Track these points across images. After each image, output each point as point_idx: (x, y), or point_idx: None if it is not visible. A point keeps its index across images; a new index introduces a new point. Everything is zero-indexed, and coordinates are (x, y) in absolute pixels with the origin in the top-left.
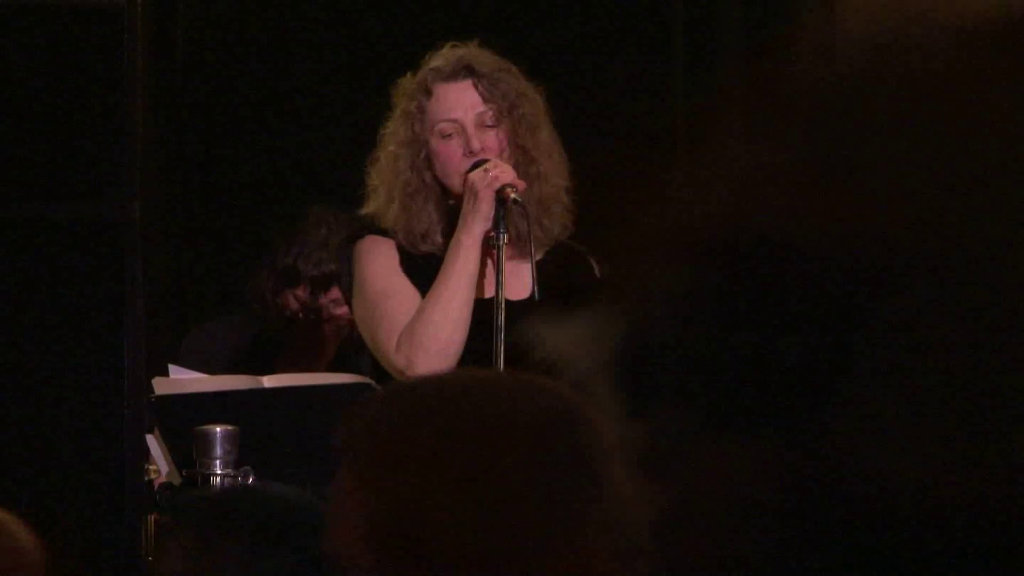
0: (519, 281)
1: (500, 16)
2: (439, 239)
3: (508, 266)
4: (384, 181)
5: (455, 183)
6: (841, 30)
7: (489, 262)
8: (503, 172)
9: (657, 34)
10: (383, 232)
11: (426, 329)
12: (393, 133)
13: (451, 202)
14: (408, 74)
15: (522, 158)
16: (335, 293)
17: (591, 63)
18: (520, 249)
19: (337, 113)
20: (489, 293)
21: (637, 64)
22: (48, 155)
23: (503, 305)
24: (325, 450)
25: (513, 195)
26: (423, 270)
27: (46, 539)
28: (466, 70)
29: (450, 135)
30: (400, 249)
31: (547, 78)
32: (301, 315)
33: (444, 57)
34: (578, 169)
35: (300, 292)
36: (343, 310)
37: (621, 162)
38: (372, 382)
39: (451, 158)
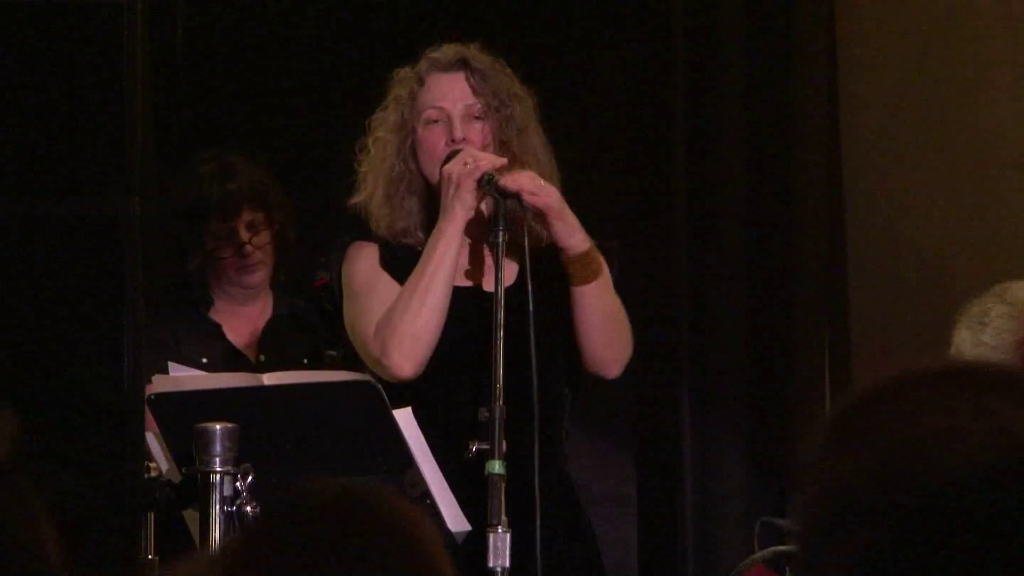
0: (507, 272)
1: (500, 17)
2: (420, 235)
3: (491, 261)
4: (371, 168)
5: (434, 172)
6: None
7: (480, 252)
8: (481, 159)
9: (657, 35)
10: (367, 236)
11: (402, 315)
12: (383, 120)
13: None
14: (407, 67)
15: (507, 157)
16: (247, 215)
17: (590, 64)
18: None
19: (337, 113)
20: (471, 282)
21: (637, 64)
22: (49, 152)
23: (503, 302)
24: (324, 447)
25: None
26: (406, 265)
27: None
28: (461, 63)
29: (435, 122)
30: (385, 248)
31: (546, 80)
32: (222, 248)
33: (442, 51)
34: (577, 170)
35: (213, 225)
36: (263, 234)
37: (620, 163)
38: (372, 379)
39: (433, 145)
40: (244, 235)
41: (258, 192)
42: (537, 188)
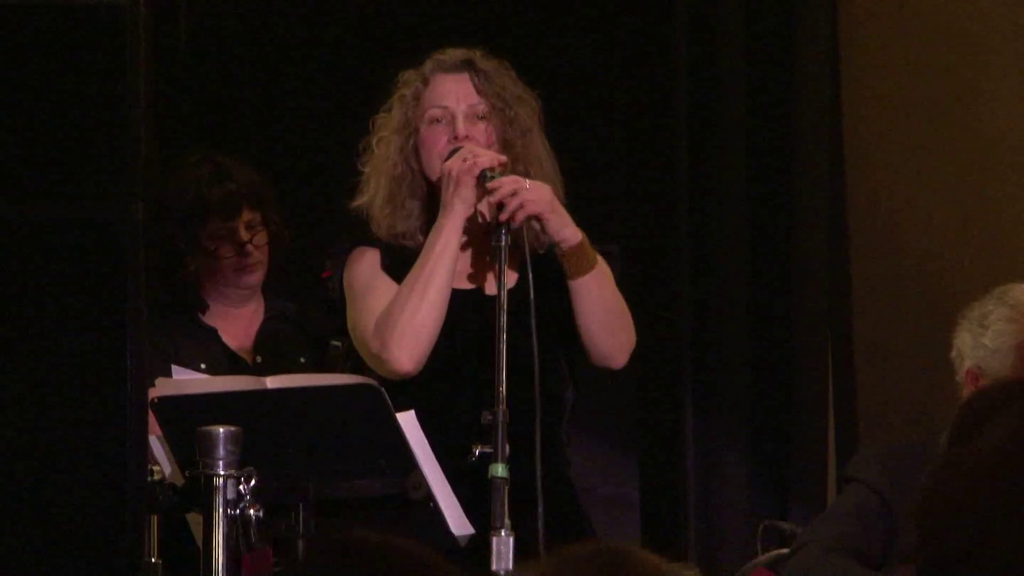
0: (508, 275)
1: (500, 19)
2: (420, 238)
3: (492, 264)
4: (374, 169)
5: (435, 169)
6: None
7: (481, 255)
8: (480, 155)
9: (658, 35)
10: (369, 241)
11: (402, 310)
12: (387, 119)
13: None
14: (412, 68)
15: (510, 157)
16: (247, 215)
17: (590, 65)
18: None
19: (337, 113)
20: (473, 285)
21: (637, 64)
22: (50, 155)
23: (505, 306)
24: (328, 450)
25: (494, 173)
26: (407, 268)
27: (48, 539)
28: (466, 64)
29: (439, 120)
30: (386, 251)
31: (546, 81)
32: (222, 248)
33: (448, 52)
34: (578, 172)
35: (213, 225)
36: (261, 234)
37: (621, 165)
38: (375, 383)
39: (435, 143)
40: (244, 235)
41: (256, 192)
42: (522, 200)
